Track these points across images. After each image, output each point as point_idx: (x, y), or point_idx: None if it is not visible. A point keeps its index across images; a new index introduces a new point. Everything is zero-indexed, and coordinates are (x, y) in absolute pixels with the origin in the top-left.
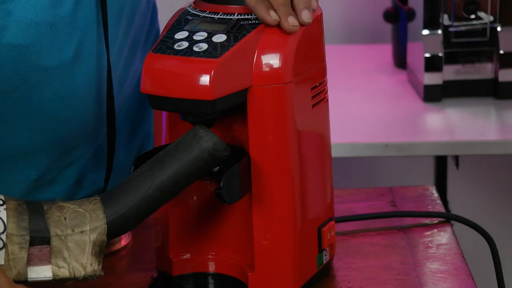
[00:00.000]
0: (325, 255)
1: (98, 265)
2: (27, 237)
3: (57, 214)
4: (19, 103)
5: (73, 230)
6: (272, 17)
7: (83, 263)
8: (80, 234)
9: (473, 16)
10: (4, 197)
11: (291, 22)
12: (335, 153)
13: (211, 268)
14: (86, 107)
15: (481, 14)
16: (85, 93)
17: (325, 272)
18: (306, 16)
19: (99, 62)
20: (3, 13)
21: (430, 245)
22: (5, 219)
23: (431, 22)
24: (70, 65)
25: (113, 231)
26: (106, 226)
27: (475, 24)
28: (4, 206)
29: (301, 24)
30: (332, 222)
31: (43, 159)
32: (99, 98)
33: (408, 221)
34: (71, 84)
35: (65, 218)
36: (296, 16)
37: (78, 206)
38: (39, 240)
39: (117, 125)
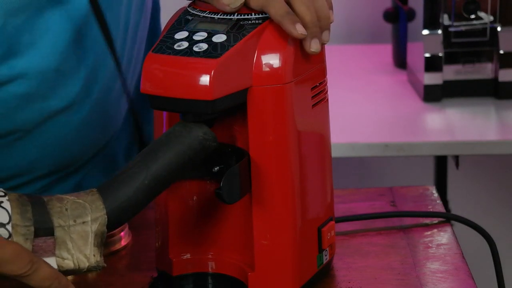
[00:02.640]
0: (325, 255)
1: (100, 256)
2: (32, 228)
3: (58, 205)
4: (29, 139)
5: (75, 221)
6: (298, 31)
7: (87, 254)
8: (82, 225)
9: (473, 16)
10: (3, 189)
11: (313, 47)
12: (335, 153)
13: (211, 268)
14: (98, 130)
15: (481, 14)
16: (97, 118)
17: (325, 272)
18: (326, 37)
19: (109, 83)
20: (7, 68)
21: (430, 245)
22: (9, 210)
23: (431, 22)
24: (80, 99)
25: (112, 222)
26: (106, 216)
27: (475, 24)
28: (7, 197)
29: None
30: (332, 222)
31: (47, 176)
32: (113, 117)
33: (408, 221)
34: (82, 114)
35: (66, 209)
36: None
37: (76, 197)
38: (43, 231)
39: (119, 131)
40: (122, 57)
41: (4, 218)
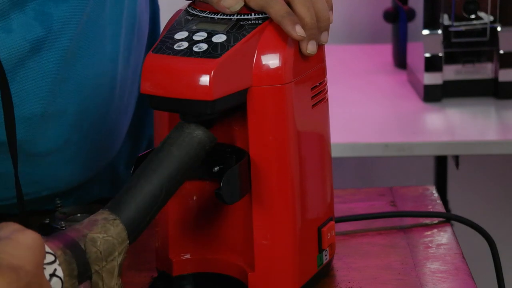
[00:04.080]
0: (325, 255)
1: (120, 280)
2: (76, 283)
3: (94, 250)
4: (27, 175)
5: (106, 261)
6: (298, 33)
7: (112, 286)
8: (111, 262)
9: (473, 16)
10: (50, 247)
11: (310, 48)
12: (335, 153)
13: (211, 268)
14: (98, 156)
15: (481, 14)
16: (94, 147)
17: (325, 272)
18: (325, 38)
19: (105, 109)
20: None
21: (430, 245)
22: (62, 277)
23: (431, 22)
24: (71, 137)
25: (130, 244)
26: (128, 245)
27: (475, 24)
28: (57, 262)
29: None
30: (332, 222)
31: (46, 196)
32: (114, 138)
33: (408, 221)
34: (76, 149)
35: (100, 252)
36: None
37: (105, 233)
38: (83, 280)
39: (121, 146)
40: (116, 80)
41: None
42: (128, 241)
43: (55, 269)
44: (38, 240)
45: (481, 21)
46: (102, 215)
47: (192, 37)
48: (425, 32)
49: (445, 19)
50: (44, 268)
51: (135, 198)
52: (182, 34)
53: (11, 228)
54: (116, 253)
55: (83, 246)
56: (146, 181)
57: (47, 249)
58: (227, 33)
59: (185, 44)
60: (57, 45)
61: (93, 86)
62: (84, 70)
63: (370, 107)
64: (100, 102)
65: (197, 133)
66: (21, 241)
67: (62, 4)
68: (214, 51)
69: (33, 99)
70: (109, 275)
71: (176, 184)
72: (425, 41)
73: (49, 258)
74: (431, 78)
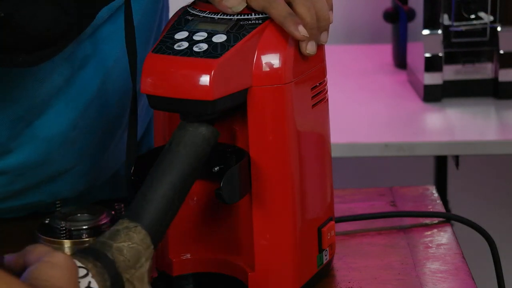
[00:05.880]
0: (325, 255)
1: (150, 287)
2: None
3: (121, 259)
4: (34, 191)
5: (135, 268)
6: (300, 32)
7: None
8: (140, 269)
9: (473, 16)
10: (80, 261)
11: (309, 49)
12: (335, 153)
13: (211, 268)
14: (108, 166)
15: (481, 14)
16: (110, 152)
17: (325, 272)
18: (325, 38)
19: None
20: (28, 132)
21: (430, 245)
22: None
23: (431, 22)
24: (91, 154)
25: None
26: (153, 250)
27: (475, 24)
28: (90, 275)
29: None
30: (332, 222)
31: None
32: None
33: (408, 221)
34: (91, 165)
35: (129, 260)
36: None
37: (129, 241)
38: None
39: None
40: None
41: None
42: (152, 246)
43: (90, 282)
44: (69, 258)
45: (481, 21)
46: (123, 225)
47: (192, 37)
48: (425, 32)
49: (445, 19)
50: (79, 282)
51: (152, 202)
52: (182, 34)
53: (39, 251)
54: (143, 259)
55: (111, 257)
56: (159, 184)
57: (78, 263)
58: (227, 33)
59: (185, 44)
60: (100, 64)
61: (117, 104)
62: (111, 91)
63: (370, 107)
64: (121, 116)
65: (201, 130)
66: (55, 262)
67: (110, 25)
68: (214, 51)
69: (68, 115)
70: (140, 282)
71: (188, 183)
72: (425, 41)
73: (82, 272)
74: (431, 78)
